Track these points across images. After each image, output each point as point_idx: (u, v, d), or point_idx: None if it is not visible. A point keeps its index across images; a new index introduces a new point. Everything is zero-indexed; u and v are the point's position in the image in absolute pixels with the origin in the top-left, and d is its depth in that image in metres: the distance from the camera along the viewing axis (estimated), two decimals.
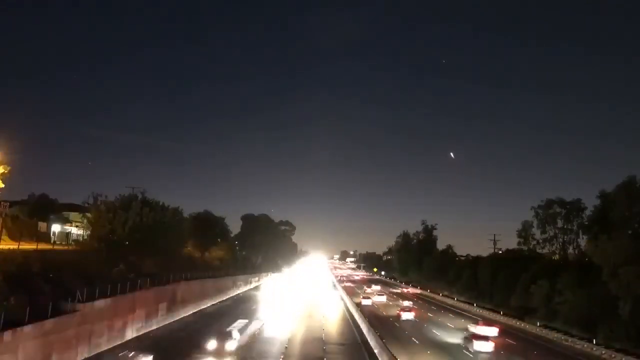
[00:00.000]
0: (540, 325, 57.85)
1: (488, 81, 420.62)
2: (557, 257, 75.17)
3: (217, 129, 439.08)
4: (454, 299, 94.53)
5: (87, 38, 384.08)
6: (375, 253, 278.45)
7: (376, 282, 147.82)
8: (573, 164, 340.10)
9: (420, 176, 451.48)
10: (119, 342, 35.26)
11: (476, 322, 55.43)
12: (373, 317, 60.82)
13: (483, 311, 75.02)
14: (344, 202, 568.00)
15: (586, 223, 65.76)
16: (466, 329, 51.91)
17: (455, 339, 48.22)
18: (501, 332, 52.11)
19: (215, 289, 70.18)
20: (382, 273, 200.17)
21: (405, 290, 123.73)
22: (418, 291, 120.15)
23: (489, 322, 55.45)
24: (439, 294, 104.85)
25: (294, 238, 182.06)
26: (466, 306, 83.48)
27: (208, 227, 78.40)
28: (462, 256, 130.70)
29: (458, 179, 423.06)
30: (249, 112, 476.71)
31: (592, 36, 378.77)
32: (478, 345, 42.52)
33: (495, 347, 43.19)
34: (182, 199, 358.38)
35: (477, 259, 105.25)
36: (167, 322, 46.76)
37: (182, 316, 52.11)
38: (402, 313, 64.39)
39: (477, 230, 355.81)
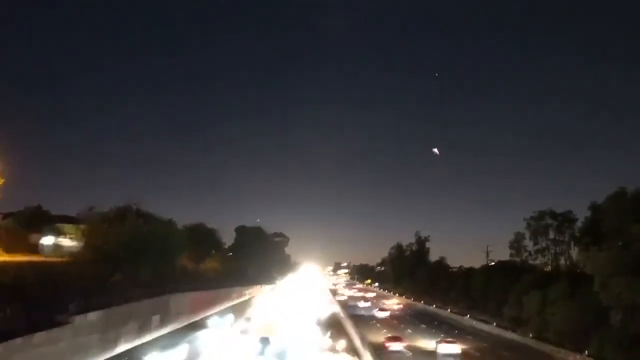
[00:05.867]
0: (533, 337, 58.15)
1: (484, 89, 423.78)
2: (549, 268, 75.77)
3: (211, 138, 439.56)
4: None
5: (84, 46, 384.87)
6: (368, 265, 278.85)
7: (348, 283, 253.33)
8: (564, 175, 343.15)
9: (414, 188, 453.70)
10: (111, 355, 35.05)
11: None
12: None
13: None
14: (338, 213, 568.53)
15: (577, 234, 66.51)
16: None
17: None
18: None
19: (208, 301, 69.95)
20: (376, 284, 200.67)
21: (361, 285, 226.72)
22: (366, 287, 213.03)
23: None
24: (381, 288, 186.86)
25: (288, 250, 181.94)
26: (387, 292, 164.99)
27: (202, 238, 78.22)
28: (454, 267, 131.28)
29: (451, 190, 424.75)
30: (243, 121, 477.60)
31: (585, 44, 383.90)
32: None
33: None
34: (176, 210, 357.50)
35: (470, 270, 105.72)
36: (160, 334, 46.50)
37: (175, 328, 51.88)
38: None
39: (470, 242, 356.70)
